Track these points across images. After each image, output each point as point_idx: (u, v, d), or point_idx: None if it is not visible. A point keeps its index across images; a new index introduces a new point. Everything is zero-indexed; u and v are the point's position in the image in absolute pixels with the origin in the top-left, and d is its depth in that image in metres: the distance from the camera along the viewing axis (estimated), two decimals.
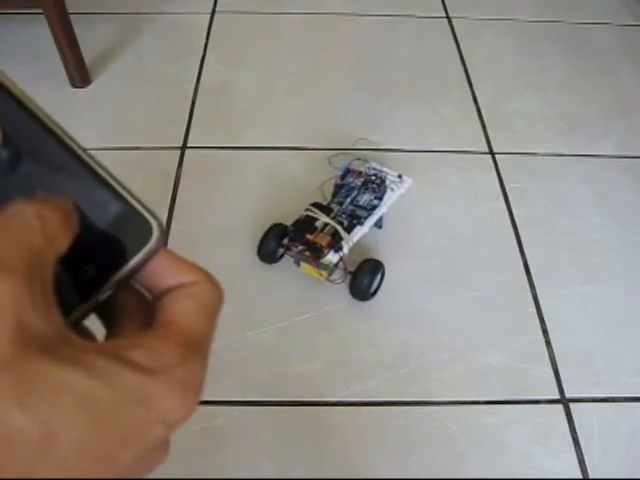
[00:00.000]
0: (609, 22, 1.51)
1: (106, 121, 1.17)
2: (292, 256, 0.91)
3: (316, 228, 0.90)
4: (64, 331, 0.18)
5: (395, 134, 1.19)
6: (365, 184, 0.96)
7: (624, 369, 0.87)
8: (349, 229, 0.91)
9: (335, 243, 0.88)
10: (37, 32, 1.28)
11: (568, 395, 0.84)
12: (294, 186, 1.07)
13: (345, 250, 0.89)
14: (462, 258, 0.99)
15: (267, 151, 1.14)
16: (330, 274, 0.91)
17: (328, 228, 0.90)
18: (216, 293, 0.21)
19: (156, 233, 0.20)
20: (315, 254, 0.88)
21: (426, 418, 0.81)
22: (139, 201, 0.21)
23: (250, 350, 0.85)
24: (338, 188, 0.97)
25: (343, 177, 0.99)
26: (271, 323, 0.88)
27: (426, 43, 1.42)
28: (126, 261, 0.20)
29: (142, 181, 1.03)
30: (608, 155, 1.18)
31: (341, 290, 0.92)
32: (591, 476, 0.76)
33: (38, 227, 0.18)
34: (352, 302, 0.91)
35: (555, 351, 0.88)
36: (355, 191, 0.96)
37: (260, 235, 0.94)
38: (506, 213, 1.06)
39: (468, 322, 0.91)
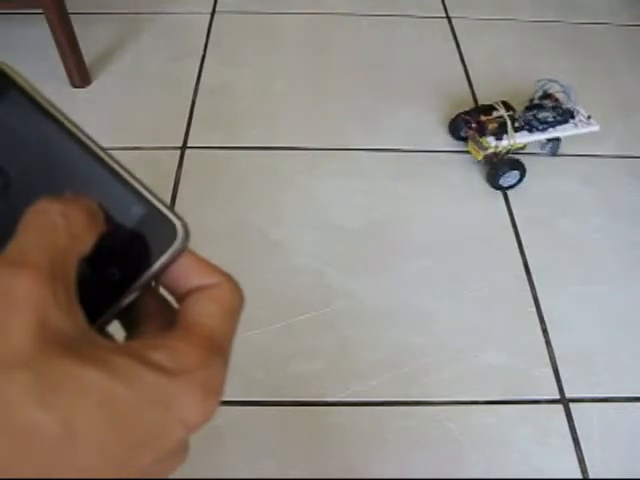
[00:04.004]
0: (609, 22, 1.51)
1: (106, 121, 1.17)
2: (465, 130, 1.10)
3: (491, 114, 1.06)
4: (86, 330, 0.18)
5: (395, 134, 1.19)
6: (554, 108, 1.10)
7: (624, 369, 0.87)
8: (517, 130, 1.07)
9: (499, 133, 1.05)
10: (37, 32, 1.28)
11: (568, 395, 0.84)
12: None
13: (504, 143, 1.05)
14: (462, 258, 0.99)
15: (267, 151, 1.14)
16: (485, 158, 1.07)
17: (501, 119, 1.05)
18: (237, 296, 0.21)
19: (180, 234, 0.20)
20: (479, 131, 1.06)
21: (426, 418, 0.81)
22: (162, 202, 0.20)
23: (250, 350, 0.85)
24: (532, 105, 1.11)
25: (541, 98, 1.12)
26: (271, 323, 0.88)
27: (426, 43, 1.41)
28: (151, 263, 0.20)
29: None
30: (608, 155, 1.18)
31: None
32: (591, 476, 0.76)
33: (63, 226, 0.18)
34: (356, 296, 0.91)
35: (555, 351, 0.88)
36: (543, 109, 1.09)
37: None
38: (506, 213, 1.06)
39: (468, 322, 0.91)
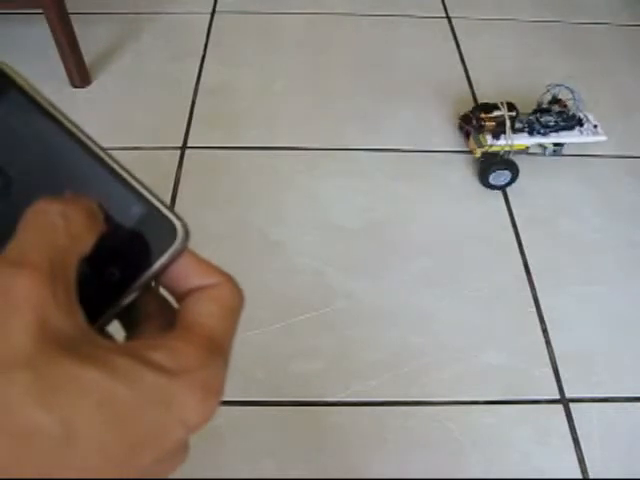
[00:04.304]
0: (609, 22, 1.51)
1: (106, 121, 1.17)
2: (466, 127, 1.11)
3: (492, 113, 1.06)
4: (86, 330, 0.18)
5: (395, 134, 1.19)
6: (560, 113, 1.08)
7: (624, 369, 0.87)
8: (517, 131, 1.06)
9: (498, 132, 1.05)
10: (37, 32, 1.28)
11: (568, 395, 0.84)
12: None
13: (501, 142, 1.05)
14: (462, 258, 0.99)
15: (267, 151, 1.14)
16: (481, 155, 1.07)
17: (500, 119, 1.05)
18: (237, 296, 0.21)
19: (180, 234, 0.20)
20: (477, 129, 1.07)
21: (426, 418, 0.81)
22: (162, 202, 0.21)
23: (250, 350, 0.85)
24: (540, 108, 1.09)
25: (550, 102, 1.10)
26: (271, 323, 0.88)
27: (426, 43, 1.41)
28: (151, 263, 0.20)
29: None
30: (608, 155, 1.18)
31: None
32: (591, 476, 0.76)
33: (62, 226, 0.18)
34: (356, 296, 0.92)
35: (555, 351, 0.88)
36: (548, 113, 1.08)
37: None
38: (506, 213, 1.06)
39: (468, 322, 0.91)
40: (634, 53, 1.42)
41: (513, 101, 1.09)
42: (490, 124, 1.06)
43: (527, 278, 0.97)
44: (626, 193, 1.11)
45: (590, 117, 1.11)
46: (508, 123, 1.05)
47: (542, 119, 1.07)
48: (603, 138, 1.10)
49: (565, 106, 1.10)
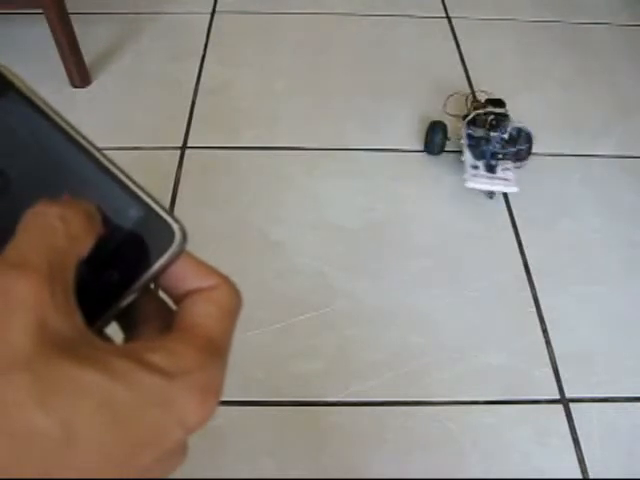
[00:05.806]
0: (609, 22, 1.51)
1: (106, 121, 1.17)
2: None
3: (486, 105, 1.12)
4: (85, 332, 0.18)
5: (395, 134, 1.19)
6: (510, 140, 1.08)
7: (624, 369, 0.87)
8: (476, 126, 1.10)
9: (465, 117, 1.12)
10: (37, 32, 1.28)
11: (568, 395, 0.84)
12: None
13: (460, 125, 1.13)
14: (462, 258, 0.99)
15: (267, 151, 1.14)
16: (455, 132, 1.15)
17: (478, 109, 1.10)
18: (235, 297, 0.21)
19: (178, 237, 0.20)
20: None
21: (426, 418, 0.81)
22: (160, 204, 0.21)
23: (250, 350, 0.85)
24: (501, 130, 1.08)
25: (518, 132, 1.08)
26: (271, 323, 0.88)
27: (426, 43, 1.41)
28: (149, 265, 0.20)
29: (142, 181, 1.02)
30: (608, 155, 1.18)
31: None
32: (591, 476, 0.76)
33: (61, 228, 0.18)
34: (356, 296, 0.92)
35: (555, 351, 0.88)
36: (502, 129, 1.07)
37: None
38: (506, 213, 1.06)
39: (468, 322, 0.91)
40: (634, 53, 1.42)
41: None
42: (473, 104, 1.13)
43: (527, 278, 0.97)
44: (626, 193, 1.11)
45: (505, 174, 1.05)
46: (473, 113, 1.09)
47: (476, 132, 1.08)
48: (468, 184, 1.03)
49: (514, 142, 1.07)
